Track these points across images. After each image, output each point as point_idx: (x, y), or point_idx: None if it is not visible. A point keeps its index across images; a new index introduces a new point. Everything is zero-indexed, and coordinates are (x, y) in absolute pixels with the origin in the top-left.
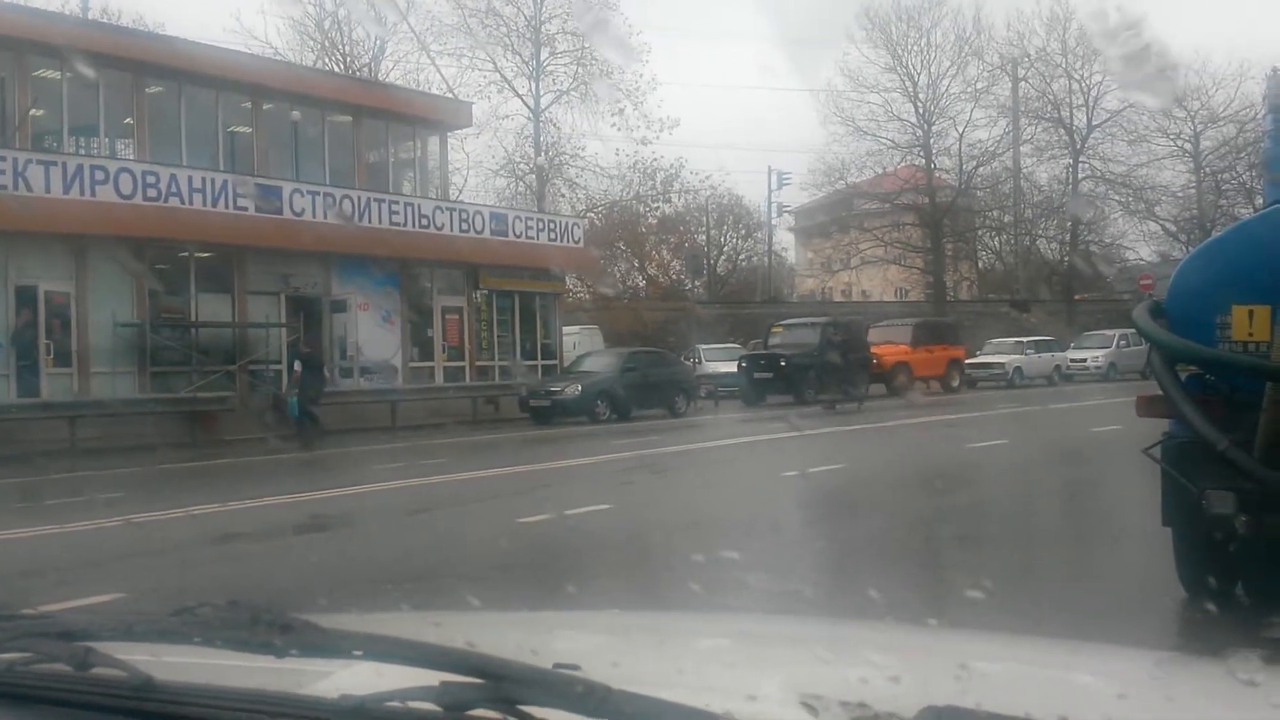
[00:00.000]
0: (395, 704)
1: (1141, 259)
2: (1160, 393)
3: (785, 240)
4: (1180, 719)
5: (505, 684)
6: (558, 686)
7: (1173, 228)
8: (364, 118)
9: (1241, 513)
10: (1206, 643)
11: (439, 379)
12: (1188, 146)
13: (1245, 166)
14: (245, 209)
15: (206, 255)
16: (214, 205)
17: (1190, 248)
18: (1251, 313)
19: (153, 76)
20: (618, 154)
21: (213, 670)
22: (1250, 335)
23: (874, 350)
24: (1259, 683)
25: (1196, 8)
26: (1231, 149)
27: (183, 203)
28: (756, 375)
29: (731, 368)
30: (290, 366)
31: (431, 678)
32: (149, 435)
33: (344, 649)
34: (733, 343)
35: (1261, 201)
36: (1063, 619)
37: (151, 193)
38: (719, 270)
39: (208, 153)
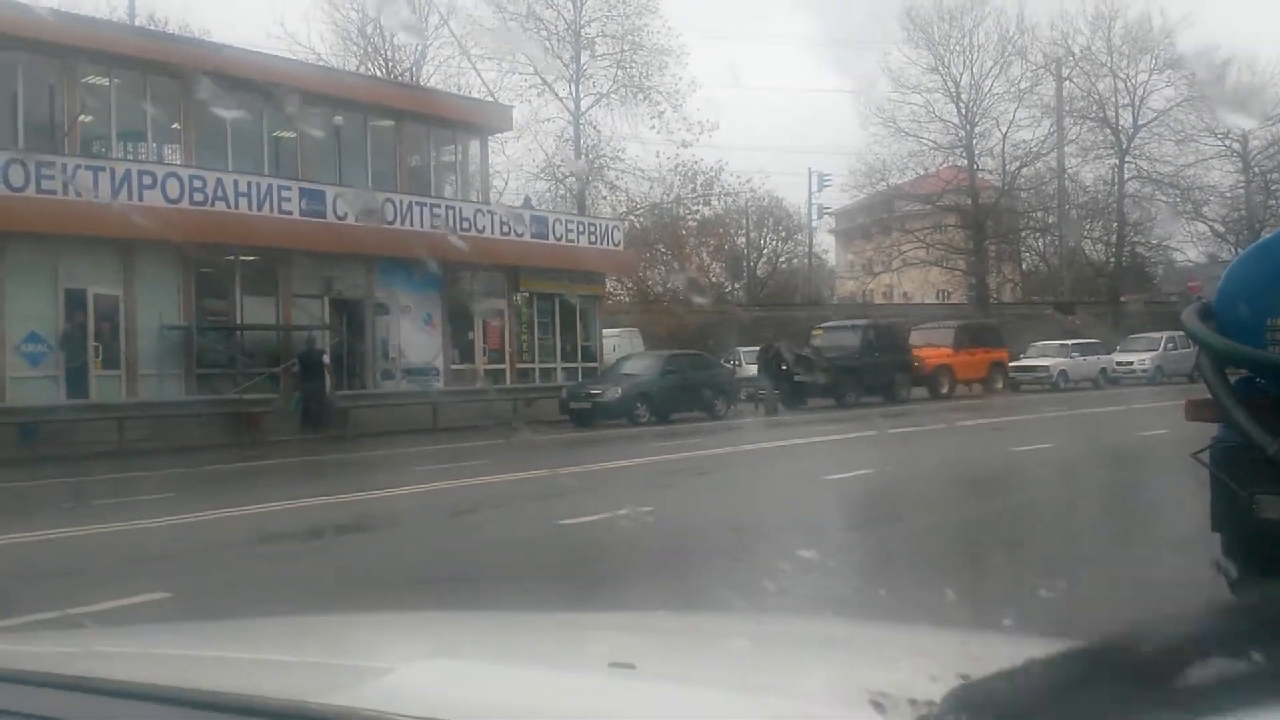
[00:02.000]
0: None
1: (1189, 260)
2: (1209, 396)
3: (826, 242)
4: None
5: None
6: None
7: (1221, 228)
8: (406, 122)
9: None
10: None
11: (480, 381)
12: (1236, 146)
13: None
14: (290, 213)
15: (251, 259)
16: (259, 209)
17: (1239, 249)
18: None
19: (199, 82)
20: (658, 157)
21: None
22: None
23: (916, 353)
24: None
25: (1244, 5)
26: None
27: (228, 207)
28: (797, 378)
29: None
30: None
31: None
32: (195, 436)
33: None
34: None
35: None
36: (1110, 626)
37: (198, 197)
38: (759, 273)
39: (252, 157)
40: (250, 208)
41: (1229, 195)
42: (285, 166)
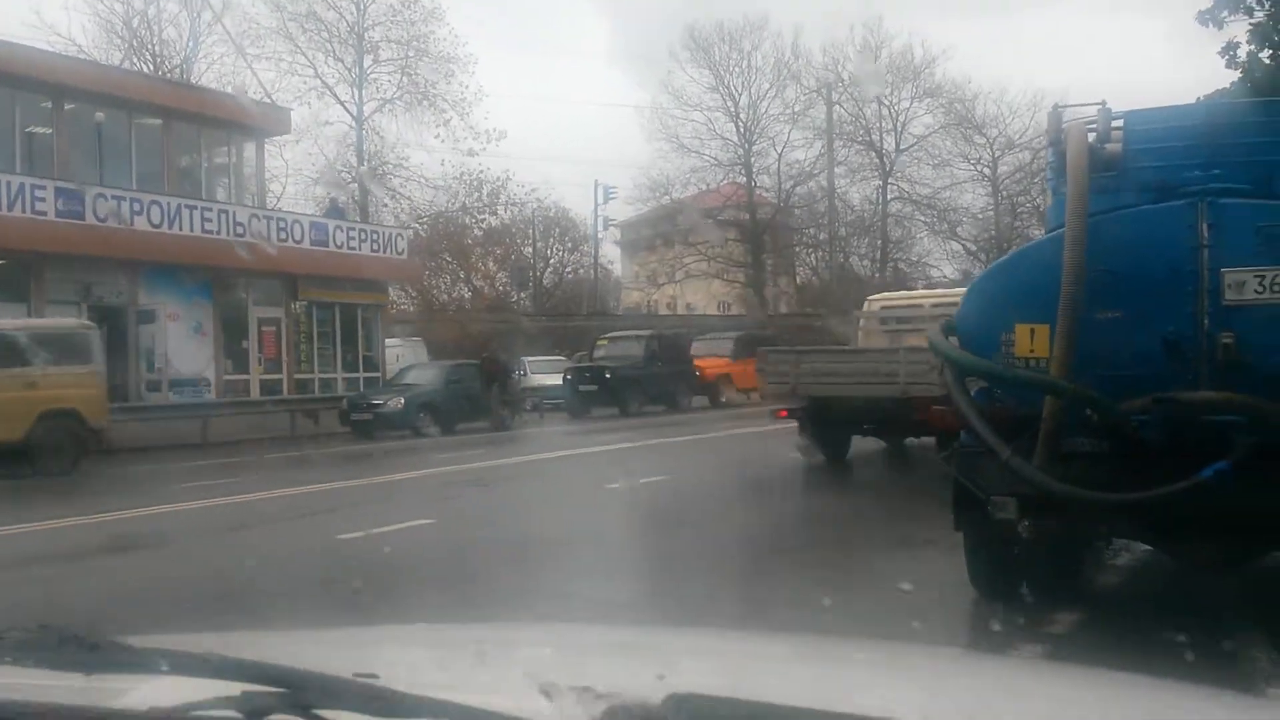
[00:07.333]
0: (200, 713)
1: (945, 276)
2: (954, 405)
3: (611, 253)
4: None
5: (302, 691)
6: (351, 691)
7: (973, 247)
8: (174, 121)
9: (1024, 517)
10: (996, 638)
11: (255, 392)
12: (986, 171)
13: (1039, 190)
14: (44, 214)
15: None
16: (9, 209)
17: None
18: (1033, 331)
19: None
20: (443, 165)
21: (25, 690)
22: (1031, 352)
23: (697, 363)
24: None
25: (995, 42)
26: (1026, 174)
27: None
28: (582, 388)
29: (557, 380)
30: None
31: (234, 688)
32: None
33: (151, 665)
34: (558, 355)
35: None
36: (868, 620)
37: None
38: (545, 283)
39: (2, 154)
40: None
41: (980, 216)
42: (40, 164)
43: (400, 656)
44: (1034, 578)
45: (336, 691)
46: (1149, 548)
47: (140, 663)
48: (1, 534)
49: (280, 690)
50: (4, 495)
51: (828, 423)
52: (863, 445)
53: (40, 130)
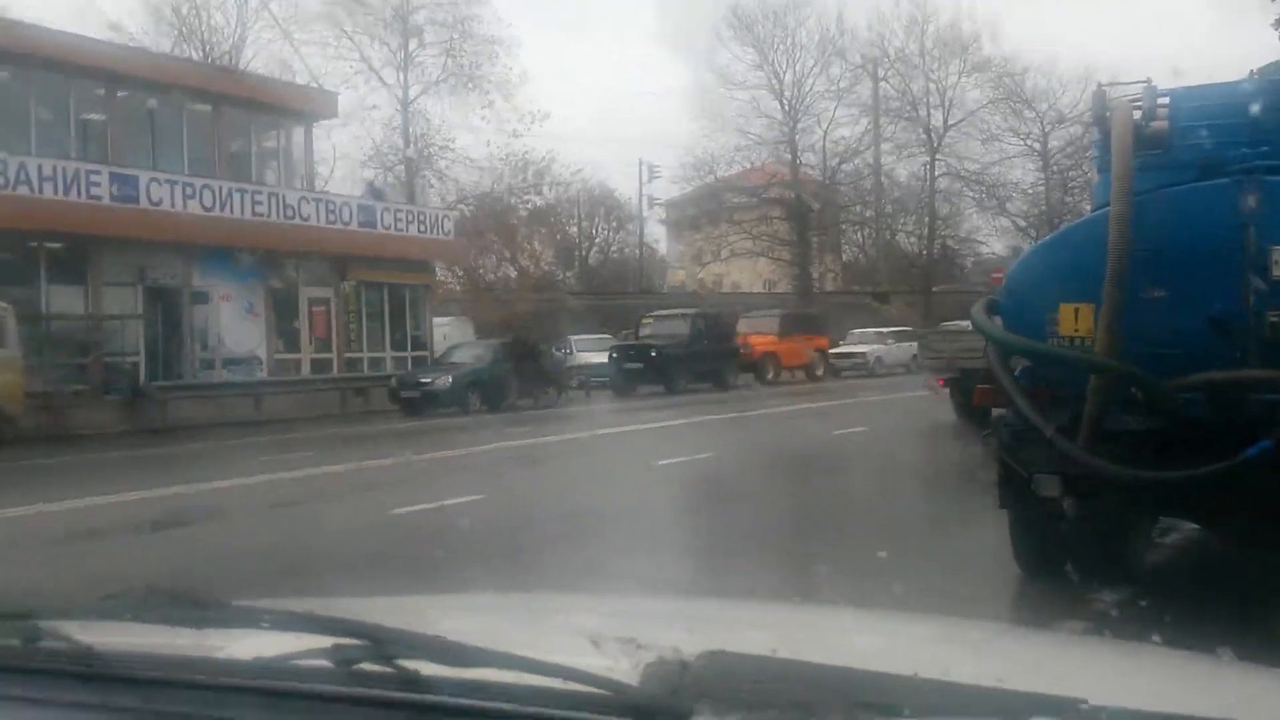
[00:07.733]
0: (298, 663)
1: (994, 253)
2: (997, 384)
3: (656, 232)
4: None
5: (385, 644)
6: (427, 645)
7: (1023, 223)
8: (224, 106)
9: (1067, 495)
10: (1039, 615)
11: (306, 371)
12: (1036, 146)
13: (1091, 165)
14: (99, 198)
15: (57, 246)
16: (66, 194)
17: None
18: (1077, 310)
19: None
20: (488, 146)
21: (145, 645)
22: (1076, 331)
23: (743, 340)
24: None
25: (1045, 16)
26: (1077, 148)
27: (32, 191)
28: (627, 366)
29: (603, 358)
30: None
31: (326, 642)
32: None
33: (253, 621)
34: (604, 334)
35: None
36: (909, 597)
37: None
38: (590, 262)
39: (58, 141)
40: (56, 192)
41: (1030, 192)
42: (94, 150)
43: (463, 619)
44: (1078, 556)
45: (414, 644)
46: (1196, 526)
47: (243, 619)
48: (62, 509)
49: (366, 643)
50: (67, 470)
51: (973, 390)
52: (912, 419)
53: (94, 117)
